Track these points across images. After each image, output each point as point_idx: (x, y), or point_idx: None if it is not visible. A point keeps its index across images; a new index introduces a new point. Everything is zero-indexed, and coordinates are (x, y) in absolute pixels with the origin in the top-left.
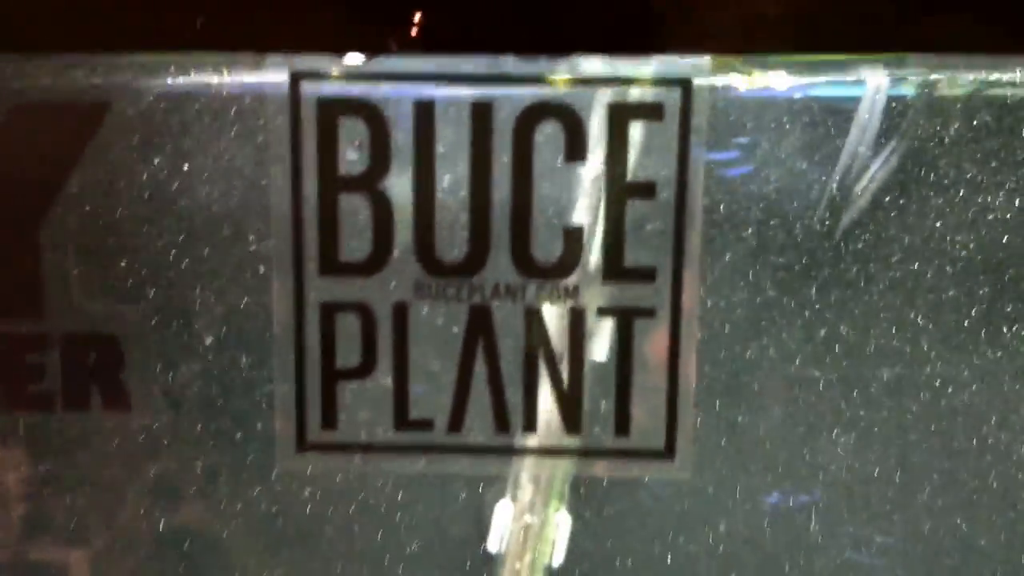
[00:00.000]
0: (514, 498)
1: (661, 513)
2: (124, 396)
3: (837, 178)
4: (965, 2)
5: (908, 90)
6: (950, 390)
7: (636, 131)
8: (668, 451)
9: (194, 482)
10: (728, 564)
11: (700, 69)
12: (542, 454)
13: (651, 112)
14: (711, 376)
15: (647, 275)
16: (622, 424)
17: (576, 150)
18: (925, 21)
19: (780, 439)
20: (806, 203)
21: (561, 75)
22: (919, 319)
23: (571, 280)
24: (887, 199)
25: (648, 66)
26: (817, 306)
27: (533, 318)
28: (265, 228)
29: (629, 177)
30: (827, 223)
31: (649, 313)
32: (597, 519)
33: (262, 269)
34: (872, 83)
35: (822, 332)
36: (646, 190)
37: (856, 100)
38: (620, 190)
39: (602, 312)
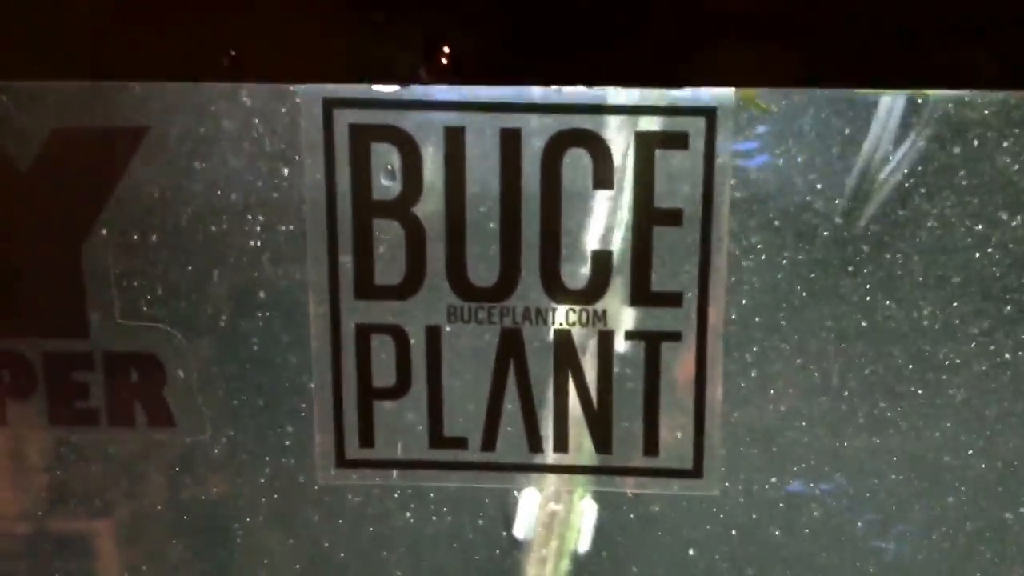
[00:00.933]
0: (540, 486)
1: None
2: (167, 413)
3: (858, 172)
4: (982, 38)
5: None
6: (979, 387)
7: (662, 159)
8: (696, 470)
9: (237, 499)
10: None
11: (724, 99)
12: (573, 472)
13: (677, 141)
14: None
15: (674, 300)
16: (651, 444)
17: (603, 177)
18: (942, 56)
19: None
20: (828, 197)
21: (589, 104)
22: (948, 320)
23: (599, 304)
24: (911, 197)
25: (674, 96)
26: (844, 304)
27: (562, 341)
28: (302, 253)
29: (655, 204)
30: (850, 218)
31: (676, 337)
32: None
33: (300, 293)
34: None
35: (850, 327)
36: (672, 217)
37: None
38: (647, 217)
39: (629, 336)
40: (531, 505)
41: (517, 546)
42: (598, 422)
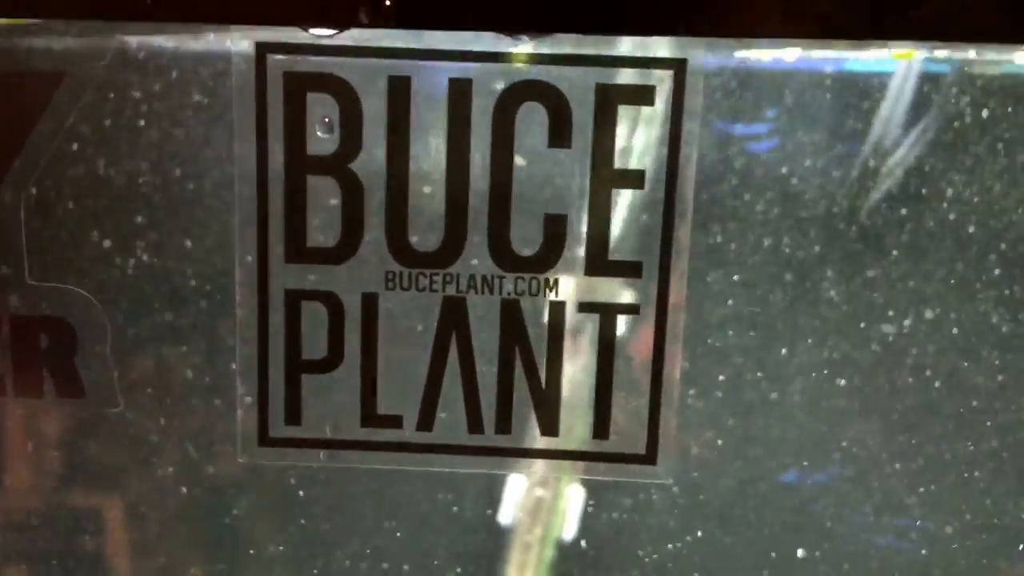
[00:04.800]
0: (526, 471)
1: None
2: (76, 383)
3: (867, 155)
4: None
5: (942, 67)
6: (967, 377)
7: (625, 115)
8: (649, 455)
9: (153, 473)
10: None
11: (695, 50)
12: (516, 455)
13: (642, 95)
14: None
15: (633, 270)
16: (601, 427)
17: (560, 134)
18: (940, 9)
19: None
20: (831, 182)
21: (546, 53)
22: (936, 304)
23: (551, 273)
24: (914, 181)
25: (639, 46)
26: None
27: (510, 312)
28: (228, 210)
29: (616, 164)
30: (854, 206)
31: (633, 310)
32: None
33: (225, 253)
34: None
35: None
36: (634, 179)
37: (888, 75)
38: (606, 178)
39: (583, 308)
40: (517, 491)
41: (502, 532)
42: (545, 402)
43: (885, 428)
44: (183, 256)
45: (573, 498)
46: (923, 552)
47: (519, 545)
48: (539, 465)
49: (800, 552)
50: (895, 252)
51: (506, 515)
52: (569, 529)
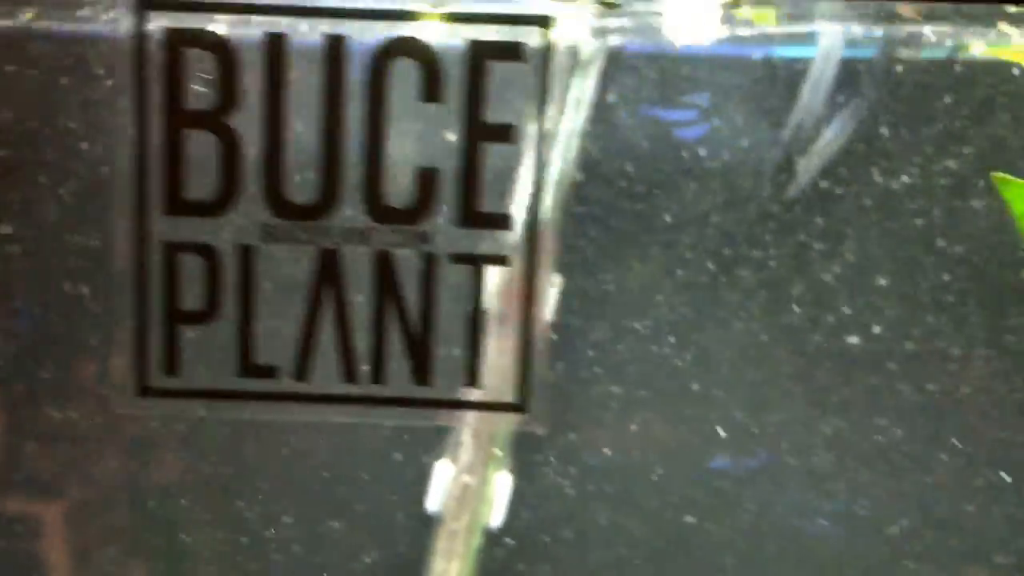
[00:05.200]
0: (453, 458)
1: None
2: None
3: (788, 139)
4: None
5: (865, 51)
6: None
7: (495, 71)
8: (520, 404)
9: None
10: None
11: (563, 7)
12: (391, 404)
13: (511, 51)
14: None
15: (502, 222)
16: (473, 375)
17: (432, 88)
18: None
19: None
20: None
21: (418, 11)
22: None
23: (423, 225)
24: (837, 165)
25: (510, 3)
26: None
27: (383, 263)
28: (108, 162)
29: (485, 118)
30: (781, 184)
31: (503, 261)
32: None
33: (104, 207)
34: (826, 42)
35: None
36: (503, 133)
37: (810, 60)
38: (476, 132)
39: (454, 259)
40: (444, 478)
41: (429, 521)
42: (418, 351)
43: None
44: (63, 208)
45: (500, 485)
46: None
47: (445, 532)
48: (414, 414)
49: (689, 518)
50: (813, 233)
51: (433, 503)
52: (496, 517)
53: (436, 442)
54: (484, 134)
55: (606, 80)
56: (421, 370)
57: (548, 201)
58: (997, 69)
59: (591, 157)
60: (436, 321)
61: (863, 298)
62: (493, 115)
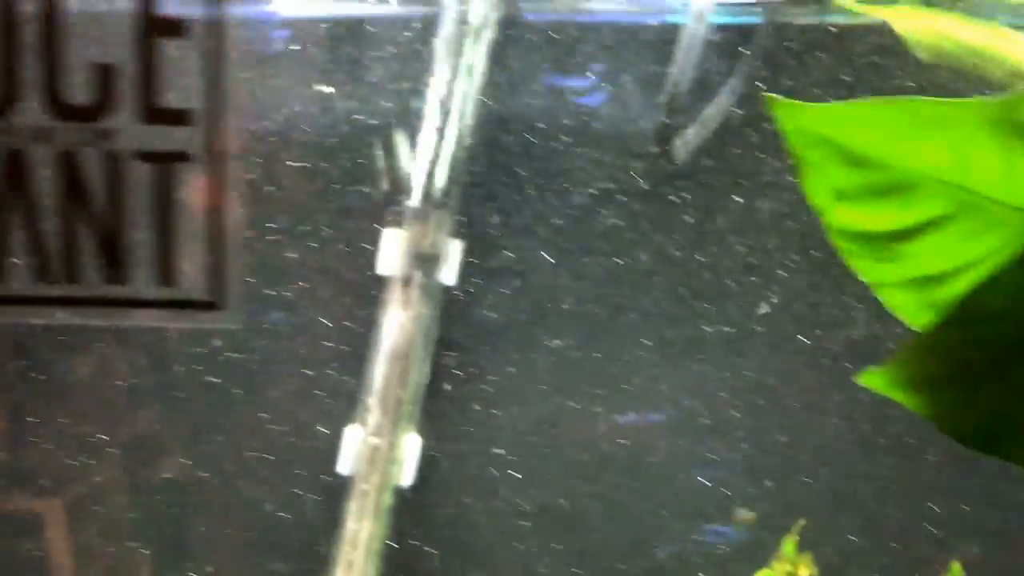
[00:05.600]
0: (362, 421)
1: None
2: None
3: (664, 105)
4: None
5: (749, 18)
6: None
7: None
8: (215, 302)
9: None
10: None
11: None
12: (85, 304)
13: None
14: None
15: (182, 118)
16: (166, 274)
17: None
18: None
19: None
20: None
21: None
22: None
23: (105, 122)
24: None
25: None
26: None
27: (66, 162)
28: None
29: (157, 13)
30: (667, 149)
31: (185, 158)
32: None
33: None
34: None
35: None
36: (176, 28)
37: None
38: (150, 27)
39: (138, 156)
40: (353, 441)
41: (341, 482)
42: (109, 251)
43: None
44: None
45: (410, 447)
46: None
47: (357, 493)
48: (110, 314)
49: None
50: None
51: (344, 465)
52: (407, 477)
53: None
54: (156, 28)
55: (501, 47)
56: (114, 269)
57: (445, 165)
58: (873, 29)
59: (487, 123)
60: (126, 220)
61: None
62: (163, 8)
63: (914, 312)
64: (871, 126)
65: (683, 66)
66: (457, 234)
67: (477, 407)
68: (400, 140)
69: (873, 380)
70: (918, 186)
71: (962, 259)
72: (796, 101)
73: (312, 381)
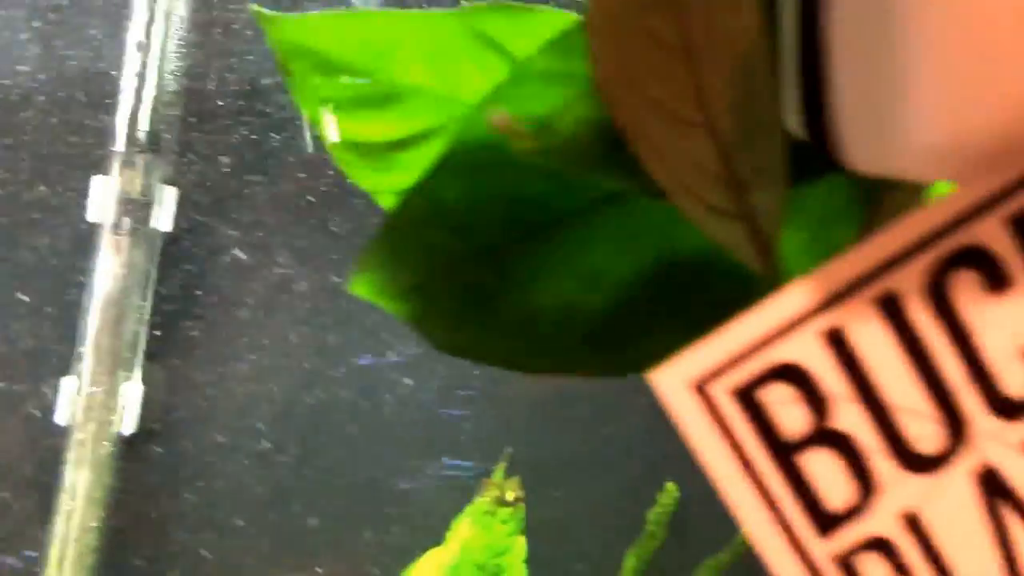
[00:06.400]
0: (77, 372)
1: None
2: None
3: None
4: None
5: None
6: None
7: None
8: None
9: None
10: None
11: None
12: None
13: None
14: None
15: None
16: None
17: None
18: None
19: None
20: None
21: None
22: None
23: None
24: None
25: None
26: None
27: None
28: None
29: None
30: None
31: None
32: None
33: None
34: None
35: None
36: None
37: None
38: None
39: None
40: (69, 391)
41: (60, 432)
42: None
43: None
44: None
45: (130, 395)
46: None
47: (74, 443)
48: None
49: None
50: None
51: (61, 415)
52: (128, 425)
53: None
54: None
55: None
56: None
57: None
58: None
59: (192, 70)
60: None
61: None
62: None
63: None
64: (351, 38)
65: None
66: (173, 180)
67: (205, 352)
68: (114, 87)
69: (360, 287)
70: (408, 97)
71: None
72: (278, 13)
73: (32, 333)
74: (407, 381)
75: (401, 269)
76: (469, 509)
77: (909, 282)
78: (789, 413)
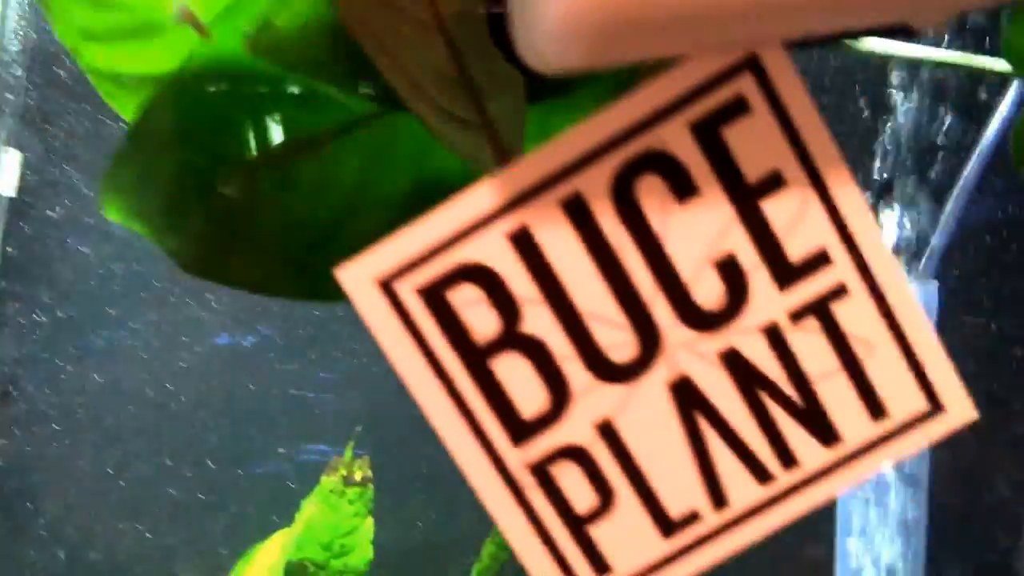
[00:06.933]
0: None
1: None
2: None
3: None
4: None
5: None
6: None
7: None
8: None
9: None
10: None
11: None
12: None
13: None
14: None
15: None
16: None
17: None
18: None
19: None
20: None
21: None
22: None
23: None
24: None
25: None
26: None
27: None
28: None
29: None
30: None
31: None
32: None
33: None
34: None
35: None
36: None
37: None
38: None
39: None
40: None
41: None
42: None
43: None
44: None
45: None
46: None
47: None
48: None
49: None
50: None
51: None
52: None
53: None
54: None
55: None
56: None
57: None
58: None
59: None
60: None
61: None
62: None
63: None
64: None
65: None
66: (18, 145)
67: (51, 321)
68: None
69: (111, 211)
70: (169, 29)
71: None
72: None
73: None
74: (268, 363)
75: (149, 189)
76: (317, 489)
77: (595, 184)
78: (478, 315)
